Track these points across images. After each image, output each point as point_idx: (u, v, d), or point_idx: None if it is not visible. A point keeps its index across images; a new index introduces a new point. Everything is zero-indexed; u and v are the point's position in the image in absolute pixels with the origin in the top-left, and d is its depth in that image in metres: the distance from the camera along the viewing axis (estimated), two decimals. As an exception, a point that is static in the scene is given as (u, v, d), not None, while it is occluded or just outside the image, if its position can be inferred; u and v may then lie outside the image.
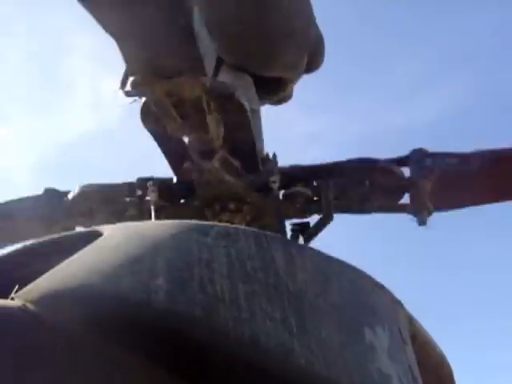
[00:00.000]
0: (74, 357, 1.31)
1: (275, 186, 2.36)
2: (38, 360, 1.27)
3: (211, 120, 2.18)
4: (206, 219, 2.41)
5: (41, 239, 1.74)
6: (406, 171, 2.56)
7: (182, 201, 2.58)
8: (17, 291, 1.39)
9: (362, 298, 1.75)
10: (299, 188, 2.50)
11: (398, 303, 1.92)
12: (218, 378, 1.38)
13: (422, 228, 2.51)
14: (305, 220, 2.57)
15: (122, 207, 2.59)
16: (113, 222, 2.46)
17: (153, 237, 1.57)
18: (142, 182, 2.55)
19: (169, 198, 2.52)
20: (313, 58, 3.24)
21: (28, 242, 1.68)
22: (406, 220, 2.53)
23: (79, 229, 2.60)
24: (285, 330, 1.45)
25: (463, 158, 2.50)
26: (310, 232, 2.49)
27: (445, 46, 8.74)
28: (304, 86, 3.39)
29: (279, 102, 3.41)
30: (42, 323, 1.33)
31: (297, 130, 8.81)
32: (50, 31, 8.61)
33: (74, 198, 2.67)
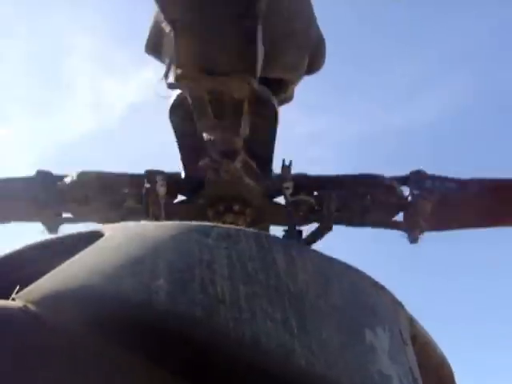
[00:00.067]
0: (75, 357, 1.32)
1: (288, 192, 2.38)
2: (39, 360, 1.27)
3: (244, 122, 2.18)
4: (208, 218, 2.41)
5: (42, 240, 1.74)
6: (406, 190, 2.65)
7: (187, 197, 2.57)
8: (18, 292, 1.40)
9: (362, 299, 1.75)
10: (304, 196, 2.51)
11: (399, 304, 1.92)
12: (219, 378, 1.38)
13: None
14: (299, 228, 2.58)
15: (121, 198, 2.56)
16: (108, 213, 2.47)
17: (154, 238, 1.57)
18: (151, 175, 2.53)
19: (174, 192, 2.51)
20: (314, 60, 3.24)
21: (29, 243, 1.68)
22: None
23: (68, 215, 2.56)
24: (285, 330, 1.45)
25: (461, 184, 2.58)
26: (308, 240, 2.51)
27: (444, 47, 8.75)
28: (304, 87, 3.40)
29: (280, 103, 3.40)
30: (43, 324, 1.33)
31: (297, 131, 8.81)
32: (50, 32, 8.63)
33: (70, 183, 2.63)
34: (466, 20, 8.71)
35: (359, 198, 2.56)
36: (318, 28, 3.24)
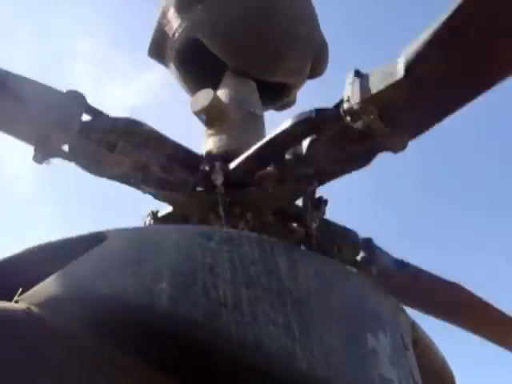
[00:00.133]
0: (77, 359, 1.32)
1: (218, 181, 2.34)
2: (41, 361, 1.28)
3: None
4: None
5: (45, 243, 1.74)
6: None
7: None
8: (21, 294, 1.40)
9: (364, 304, 1.75)
10: (262, 171, 2.39)
11: (401, 309, 1.92)
12: (221, 380, 1.39)
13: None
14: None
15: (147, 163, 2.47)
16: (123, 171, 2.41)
17: (157, 241, 1.58)
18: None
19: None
20: (316, 64, 3.25)
21: (32, 246, 1.69)
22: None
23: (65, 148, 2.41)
24: (287, 334, 1.46)
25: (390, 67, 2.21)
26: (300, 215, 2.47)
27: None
28: (306, 91, 3.41)
29: (283, 107, 3.42)
30: (46, 326, 1.34)
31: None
32: (52, 35, 8.65)
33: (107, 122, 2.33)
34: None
35: (313, 147, 2.22)
36: (320, 33, 3.26)
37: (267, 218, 2.46)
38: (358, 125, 1.96)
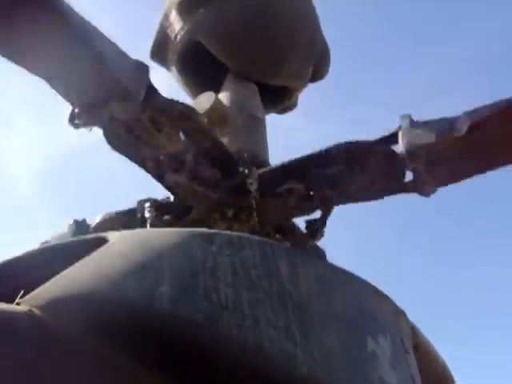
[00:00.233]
0: (78, 361, 1.33)
1: (253, 187, 2.33)
2: (42, 363, 1.28)
3: (166, 135, 2.15)
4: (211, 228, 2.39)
5: (46, 245, 1.75)
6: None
7: (183, 217, 2.54)
8: (23, 296, 1.40)
9: (365, 308, 1.76)
10: (290, 185, 2.40)
11: (401, 313, 1.92)
12: (222, 383, 1.39)
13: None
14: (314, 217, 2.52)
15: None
16: None
17: (158, 244, 1.58)
18: (141, 204, 2.52)
19: (170, 216, 2.48)
20: (318, 68, 3.26)
21: (33, 248, 1.69)
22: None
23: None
24: (288, 337, 1.46)
25: (452, 122, 2.17)
26: (311, 228, 2.44)
27: (456, 51, 8.68)
28: (308, 94, 3.41)
29: (284, 110, 3.42)
30: (48, 328, 1.34)
31: (300, 138, 8.79)
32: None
33: (97, 226, 2.63)
34: (480, 24, 8.63)
35: (348, 172, 2.32)
36: (322, 37, 3.27)
37: (268, 228, 2.46)
38: (402, 167, 2.10)
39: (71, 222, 2.63)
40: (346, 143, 2.26)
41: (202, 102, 2.71)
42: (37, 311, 1.36)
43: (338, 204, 2.38)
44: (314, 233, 2.43)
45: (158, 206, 2.45)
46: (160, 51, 3.23)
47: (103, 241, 1.62)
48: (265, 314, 1.47)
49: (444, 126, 2.09)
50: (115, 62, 1.94)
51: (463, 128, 1.98)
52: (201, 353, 1.38)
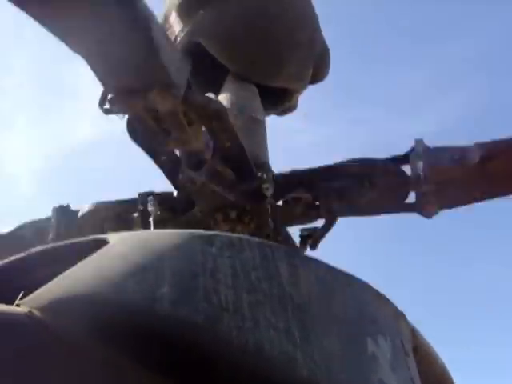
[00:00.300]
0: (79, 363, 1.33)
1: (268, 192, 2.35)
2: (43, 365, 1.28)
3: (193, 132, 2.12)
4: (210, 230, 2.40)
5: (47, 246, 1.75)
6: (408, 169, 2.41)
7: (184, 213, 2.55)
8: (23, 298, 1.40)
9: (365, 309, 1.76)
10: (298, 193, 2.45)
11: (401, 315, 1.93)
12: None
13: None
14: (313, 226, 2.55)
15: (131, 224, 2.55)
16: None
17: (158, 245, 1.58)
18: (143, 197, 2.53)
19: (171, 211, 2.48)
20: (318, 70, 3.26)
21: (34, 249, 1.69)
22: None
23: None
24: (288, 339, 1.46)
25: (464, 151, 2.30)
26: (314, 237, 2.47)
27: (456, 52, 8.68)
28: (308, 95, 3.41)
29: (284, 112, 3.42)
30: (48, 329, 1.34)
31: (300, 140, 8.80)
32: (55, 38, 8.65)
33: (88, 213, 2.63)
34: (480, 23, 8.63)
35: (358, 186, 2.41)
36: (322, 38, 3.27)
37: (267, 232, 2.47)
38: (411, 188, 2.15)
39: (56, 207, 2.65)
40: (359, 159, 2.39)
41: (202, 104, 2.71)
42: (37, 313, 1.36)
43: (343, 216, 2.41)
44: (314, 242, 2.47)
45: (161, 200, 2.45)
46: None
47: (103, 242, 1.62)
48: (265, 316, 1.48)
49: (456, 153, 2.21)
50: (165, 49, 1.84)
51: (475, 158, 2.11)
52: (201, 354, 1.38)
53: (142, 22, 1.71)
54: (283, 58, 3.02)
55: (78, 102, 8.94)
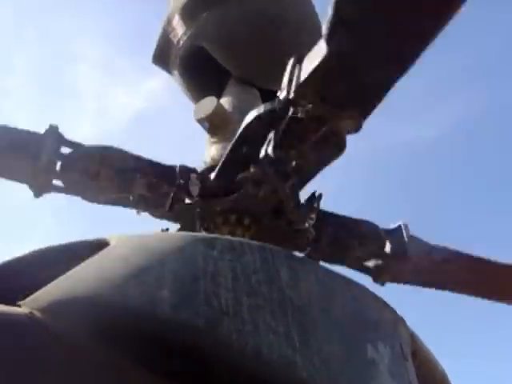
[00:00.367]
0: (79, 365, 1.33)
1: (310, 222, 2.38)
2: (43, 367, 1.28)
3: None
4: (215, 225, 2.40)
5: (48, 247, 1.75)
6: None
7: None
8: (24, 298, 1.41)
9: (364, 314, 1.76)
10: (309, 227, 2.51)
11: (401, 320, 1.93)
12: None
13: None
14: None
15: (133, 184, 2.49)
16: (112, 195, 2.47)
17: (159, 248, 1.58)
18: (184, 171, 2.51)
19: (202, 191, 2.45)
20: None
21: (35, 250, 1.69)
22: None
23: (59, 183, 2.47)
24: (288, 343, 1.46)
25: (445, 255, 2.77)
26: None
27: (457, 58, 8.67)
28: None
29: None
30: (49, 330, 1.34)
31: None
32: (59, 39, 8.68)
33: (87, 154, 2.47)
34: (479, 31, 8.64)
35: (348, 240, 2.70)
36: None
37: (267, 220, 2.47)
38: (302, 113, 1.90)
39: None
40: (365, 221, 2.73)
41: (204, 107, 2.72)
42: (38, 314, 1.36)
43: (296, 178, 2.37)
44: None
45: (201, 180, 2.45)
46: (162, 55, 3.24)
47: (104, 244, 1.63)
48: (265, 320, 1.48)
49: (425, 249, 2.64)
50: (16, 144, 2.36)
51: (437, 258, 2.51)
52: (201, 357, 1.38)
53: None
54: (285, 63, 3.03)
55: (78, 101, 8.96)
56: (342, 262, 2.76)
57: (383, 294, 1.90)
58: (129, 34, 9.07)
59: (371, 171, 8.92)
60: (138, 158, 2.51)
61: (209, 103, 2.72)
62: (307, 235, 2.45)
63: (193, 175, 2.46)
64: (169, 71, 3.30)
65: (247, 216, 2.42)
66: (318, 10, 3.21)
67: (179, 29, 3.09)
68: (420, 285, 2.91)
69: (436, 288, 2.91)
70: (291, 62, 1.91)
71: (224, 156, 2.35)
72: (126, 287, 1.42)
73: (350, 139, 2.03)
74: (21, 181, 2.38)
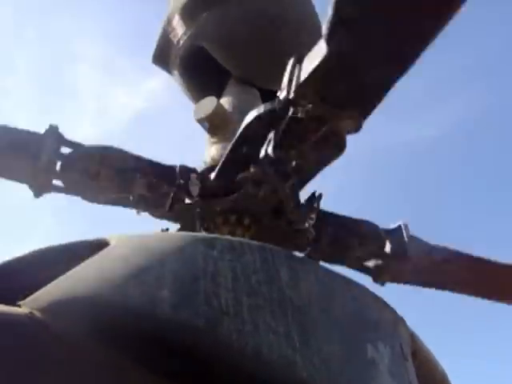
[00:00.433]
0: (79, 365, 1.33)
1: (310, 222, 2.39)
2: (43, 367, 1.28)
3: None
4: (215, 225, 2.40)
5: (48, 247, 1.75)
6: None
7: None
8: (24, 298, 1.41)
9: (364, 314, 1.76)
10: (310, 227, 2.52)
11: (401, 320, 1.93)
12: None
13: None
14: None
15: (133, 184, 2.49)
16: (113, 196, 2.48)
17: (159, 248, 1.58)
18: (184, 171, 2.51)
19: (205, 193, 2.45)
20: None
21: (35, 250, 1.69)
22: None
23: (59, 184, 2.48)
24: (288, 343, 1.46)
25: (444, 255, 2.78)
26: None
27: (457, 58, 8.67)
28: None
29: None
30: (49, 330, 1.34)
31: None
32: (59, 39, 8.69)
33: (86, 154, 2.47)
34: (479, 32, 8.63)
35: (348, 240, 2.71)
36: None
37: (267, 220, 2.47)
38: (302, 113, 1.90)
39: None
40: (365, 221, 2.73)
41: (204, 107, 2.72)
42: (38, 314, 1.36)
43: (296, 178, 2.37)
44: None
45: (202, 180, 2.45)
46: (162, 55, 3.24)
47: (104, 243, 1.63)
48: (265, 320, 1.48)
49: (425, 249, 2.64)
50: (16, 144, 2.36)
51: (437, 258, 2.51)
52: (201, 357, 1.38)
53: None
54: (285, 63, 3.03)
55: (78, 102, 8.96)
56: (341, 262, 2.76)
57: (383, 294, 1.90)
58: (129, 34, 9.07)
59: (371, 171, 8.91)
60: (138, 158, 2.51)
61: (209, 103, 2.72)
62: (307, 235, 2.44)
63: (193, 175, 2.46)
64: (169, 71, 3.30)
65: (247, 216, 2.42)
66: (318, 9, 3.22)
67: (179, 29, 3.09)
68: (420, 285, 2.92)
69: (436, 288, 2.92)
70: (291, 62, 1.91)
71: (224, 156, 2.35)
72: (125, 287, 1.42)
73: (350, 139, 2.03)
74: (21, 181, 2.39)
